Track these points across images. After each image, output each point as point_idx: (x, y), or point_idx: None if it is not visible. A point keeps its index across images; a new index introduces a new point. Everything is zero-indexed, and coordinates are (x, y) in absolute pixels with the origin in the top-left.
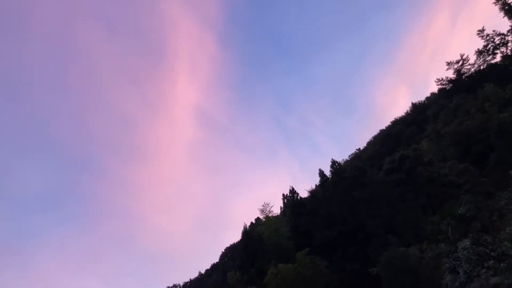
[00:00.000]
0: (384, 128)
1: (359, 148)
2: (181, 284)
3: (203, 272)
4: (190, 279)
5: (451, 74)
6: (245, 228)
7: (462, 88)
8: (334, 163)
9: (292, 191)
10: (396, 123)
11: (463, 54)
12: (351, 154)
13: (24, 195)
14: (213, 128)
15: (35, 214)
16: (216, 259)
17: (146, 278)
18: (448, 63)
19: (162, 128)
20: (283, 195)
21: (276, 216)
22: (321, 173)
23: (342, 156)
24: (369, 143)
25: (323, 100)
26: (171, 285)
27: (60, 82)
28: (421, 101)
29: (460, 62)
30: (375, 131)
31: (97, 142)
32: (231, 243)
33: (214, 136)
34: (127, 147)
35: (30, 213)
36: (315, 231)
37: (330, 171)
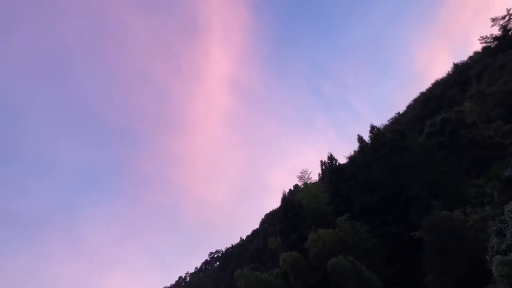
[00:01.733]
0: (424, 90)
1: (399, 112)
2: (223, 249)
3: (244, 238)
4: (232, 244)
5: (496, 31)
6: (284, 195)
7: (508, 45)
8: (373, 128)
9: (331, 158)
10: (437, 85)
11: (510, 9)
12: (391, 119)
13: (71, 170)
14: (248, 98)
15: (81, 187)
16: (256, 225)
17: (188, 246)
18: (493, 19)
19: (198, 100)
20: (321, 161)
21: (314, 182)
22: (360, 139)
23: (381, 120)
24: (409, 107)
25: (359, 63)
26: (213, 251)
27: (100, 57)
28: (463, 61)
29: (507, 18)
30: (415, 94)
31: (137, 116)
32: (271, 210)
33: (249, 106)
34: (166, 119)
35: (77, 186)
36: (355, 196)
37: (369, 136)
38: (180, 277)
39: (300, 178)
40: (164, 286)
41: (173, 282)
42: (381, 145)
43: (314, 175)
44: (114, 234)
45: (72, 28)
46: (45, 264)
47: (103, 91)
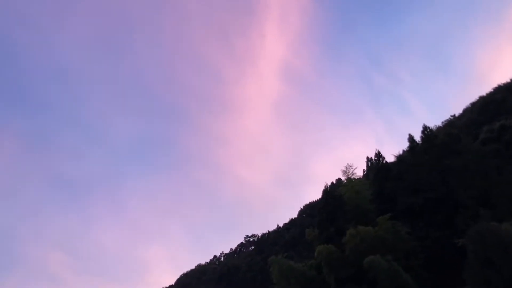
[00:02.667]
0: (484, 94)
1: (454, 115)
2: (259, 234)
3: (281, 225)
4: (268, 230)
5: None
6: (326, 187)
7: None
8: (425, 128)
9: (378, 155)
10: (499, 89)
11: None
12: (445, 120)
13: (121, 141)
14: (299, 84)
15: (129, 158)
16: (294, 214)
17: (225, 227)
18: None
19: (249, 82)
20: (367, 157)
21: (358, 178)
22: (411, 138)
23: (433, 120)
24: (465, 110)
25: (416, 58)
26: (249, 234)
27: (157, 35)
28: None
29: None
30: (473, 97)
31: (188, 94)
32: (310, 201)
33: (300, 93)
34: (216, 99)
35: (125, 157)
36: (400, 196)
37: (421, 136)
38: (215, 256)
39: (344, 172)
40: (198, 263)
41: (208, 260)
42: (432, 146)
43: (359, 171)
44: (156, 206)
45: (133, 5)
46: (89, 226)
47: (158, 67)
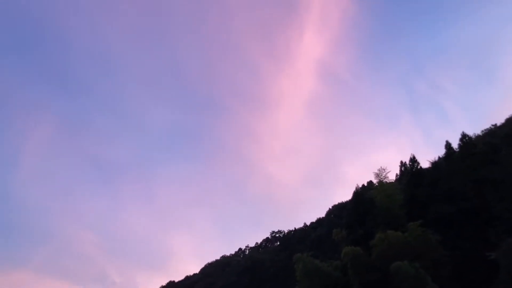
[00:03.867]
0: None
1: (495, 124)
2: (285, 231)
3: (308, 224)
4: (295, 228)
5: None
6: (356, 189)
7: None
8: (464, 136)
9: (413, 160)
10: None
11: None
12: (485, 129)
13: (155, 128)
14: (334, 85)
15: (162, 146)
16: (321, 214)
17: (252, 221)
18: None
19: (285, 79)
20: (401, 162)
21: (390, 182)
22: (448, 145)
23: (473, 129)
24: (507, 120)
25: (460, 66)
26: (275, 230)
27: (196, 27)
28: None
29: None
30: None
31: (225, 87)
32: (339, 202)
33: (335, 93)
34: (251, 95)
35: (158, 144)
36: (432, 203)
37: (459, 144)
38: (240, 249)
39: (377, 175)
40: (223, 254)
41: (233, 253)
42: (470, 155)
43: (391, 175)
44: (185, 195)
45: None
46: (119, 209)
47: (197, 59)
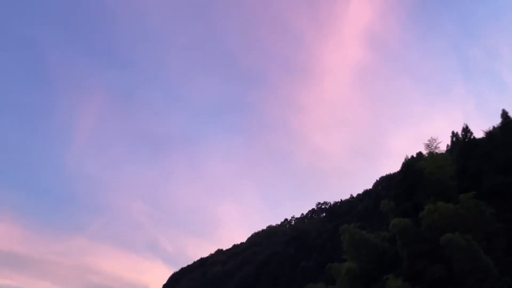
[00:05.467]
0: None
1: None
2: (331, 202)
3: (354, 195)
4: (341, 199)
5: None
6: (406, 160)
7: None
8: None
9: (465, 129)
10: None
11: None
12: None
13: (201, 100)
14: (383, 53)
15: (208, 118)
16: (368, 185)
17: (297, 192)
18: None
19: (330, 50)
20: (453, 132)
21: (441, 153)
22: (504, 114)
23: None
24: None
25: None
26: (321, 201)
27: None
28: None
29: None
30: None
31: (268, 59)
32: (387, 173)
33: (383, 62)
34: (295, 65)
35: (204, 117)
36: (486, 175)
37: None
38: (286, 219)
39: (427, 146)
40: (269, 224)
41: (279, 223)
42: None
43: (442, 146)
44: (231, 166)
45: None
46: (168, 180)
47: (239, 30)
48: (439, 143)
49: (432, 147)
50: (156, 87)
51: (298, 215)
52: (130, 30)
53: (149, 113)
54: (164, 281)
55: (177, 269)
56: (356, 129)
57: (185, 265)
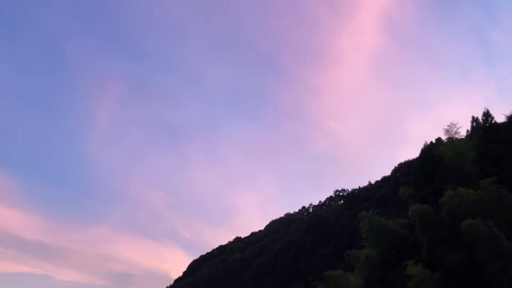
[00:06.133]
0: None
1: None
2: (349, 189)
3: (372, 182)
4: (359, 186)
5: None
6: (425, 146)
7: None
8: None
9: (486, 114)
10: None
11: None
12: None
13: (216, 88)
14: (400, 38)
15: (223, 106)
16: (386, 172)
17: (314, 179)
18: None
19: (346, 34)
20: (473, 117)
21: (461, 138)
22: None
23: None
24: None
25: None
26: (339, 188)
27: None
28: None
29: None
30: None
31: (283, 44)
32: (406, 160)
33: (400, 46)
34: (311, 51)
35: (220, 104)
36: (508, 160)
37: None
38: (304, 207)
39: (446, 131)
40: (287, 212)
41: (296, 211)
42: None
43: (462, 131)
44: (248, 154)
45: None
46: (185, 169)
47: (256, 18)
48: (459, 128)
49: (452, 133)
50: (173, 75)
51: (316, 203)
52: (146, 18)
53: (166, 101)
54: (184, 268)
55: (196, 256)
56: (374, 115)
57: (204, 253)
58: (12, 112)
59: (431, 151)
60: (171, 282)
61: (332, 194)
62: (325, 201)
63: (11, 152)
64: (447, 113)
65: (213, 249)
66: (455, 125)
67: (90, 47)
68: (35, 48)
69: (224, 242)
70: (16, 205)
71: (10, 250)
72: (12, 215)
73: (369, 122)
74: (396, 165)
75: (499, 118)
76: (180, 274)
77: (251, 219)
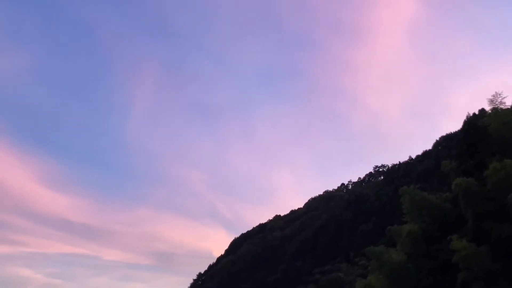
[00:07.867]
0: None
1: None
2: (389, 165)
3: (413, 157)
4: (399, 161)
5: None
6: (467, 118)
7: None
8: None
9: None
10: None
11: None
12: None
13: (250, 68)
14: (439, 6)
15: (258, 86)
16: (427, 146)
17: (353, 156)
18: None
19: (381, 5)
20: None
21: (506, 108)
22: None
23: None
24: None
25: None
26: (378, 164)
27: None
28: None
29: None
30: None
31: (317, 20)
32: (447, 133)
33: (441, 16)
34: (346, 26)
35: (255, 84)
36: None
37: None
38: (343, 184)
39: (491, 101)
40: (326, 189)
41: (335, 188)
42: None
43: (508, 101)
44: (284, 134)
45: None
46: (223, 149)
47: None
48: (504, 98)
49: (497, 103)
50: (206, 56)
51: (355, 179)
52: (181, 5)
53: (200, 82)
54: (226, 247)
55: (237, 235)
56: (413, 88)
57: (244, 231)
58: (55, 99)
59: (475, 122)
60: (214, 260)
61: (371, 170)
62: (364, 178)
63: (57, 138)
64: (491, 82)
65: (253, 227)
66: (500, 94)
67: (124, 31)
68: (72, 35)
69: (264, 221)
70: (64, 190)
71: (60, 232)
72: (61, 199)
73: (409, 95)
74: (438, 139)
75: None
76: (222, 252)
77: (290, 197)
